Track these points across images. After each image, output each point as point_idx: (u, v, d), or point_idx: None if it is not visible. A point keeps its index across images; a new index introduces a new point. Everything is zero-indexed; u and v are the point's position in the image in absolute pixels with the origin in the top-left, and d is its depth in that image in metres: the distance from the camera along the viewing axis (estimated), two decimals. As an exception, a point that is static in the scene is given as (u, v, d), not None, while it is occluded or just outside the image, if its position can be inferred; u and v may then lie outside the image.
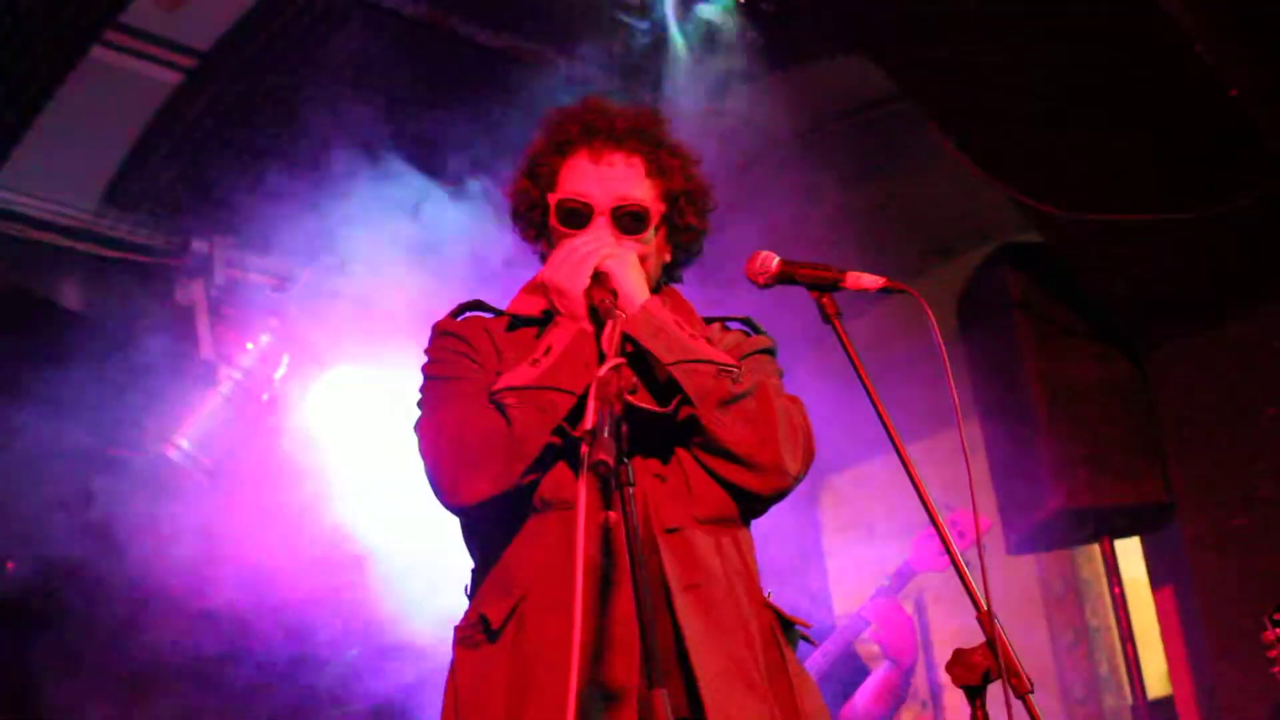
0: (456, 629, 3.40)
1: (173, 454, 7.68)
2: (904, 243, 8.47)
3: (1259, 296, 6.51)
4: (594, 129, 3.56)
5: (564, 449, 3.25)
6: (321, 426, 8.05)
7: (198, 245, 7.66)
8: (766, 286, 3.50)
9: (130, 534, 7.70)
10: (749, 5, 6.65)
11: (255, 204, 7.48)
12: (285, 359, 7.93)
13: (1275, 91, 6.00)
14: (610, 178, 3.53)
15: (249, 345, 7.80)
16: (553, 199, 3.54)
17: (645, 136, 3.58)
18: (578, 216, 3.51)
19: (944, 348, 3.31)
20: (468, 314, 3.63)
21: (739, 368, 3.34)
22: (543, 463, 3.26)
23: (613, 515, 2.88)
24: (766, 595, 3.43)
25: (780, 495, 3.39)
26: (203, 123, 7.25)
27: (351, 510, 7.81)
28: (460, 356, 3.51)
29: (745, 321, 3.72)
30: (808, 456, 3.42)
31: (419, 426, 3.44)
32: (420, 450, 3.39)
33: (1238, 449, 6.62)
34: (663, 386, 3.31)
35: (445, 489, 3.33)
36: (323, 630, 7.92)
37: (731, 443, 3.28)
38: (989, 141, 6.35)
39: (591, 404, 2.87)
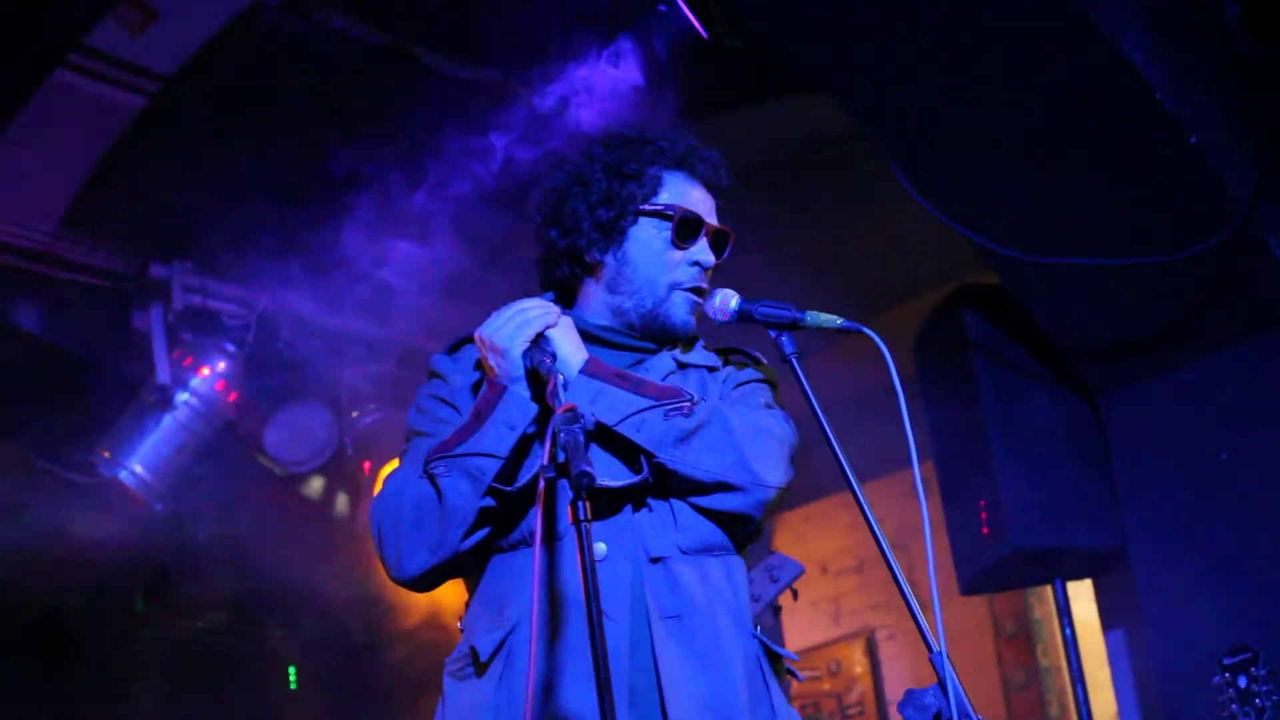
0: (447, 660, 3.40)
1: (126, 478, 7.65)
2: (862, 282, 8.51)
3: (1213, 341, 6.55)
4: (699, 155, 3.67)
5: (518, 498, 3.27)
6: (277, 453, 8.04)
7: (156, 270, 7.65)
8: (725, 324, 3.52)
9: (80, 557, 7.68)
10: (713, 41, 6.68)
11: (215, 230, 7.47)
12: (241, 385, 7.92)
13: (1233, 140, 6.05)
14: (708, 203, 3.66)
15: (205, 371, 7.78)
16: (671, 209, 3.57)
17: (724, 181, 3.72)
18: (694, 230, 3.58)
19: (901, 387, 3.33)
20: (461, 349, 3.62)
21: (690, 399, 3.34)
22: (480, 525, 3.29)
23: (601, 547, 2.93)
24: (755, 627, 3.43)
25: (769, 508, 3.39)
26: (164, 147, 7.24)
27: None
28: (438, 404, 3.53)
29: (744, 354, 3.75)
30: (790, 464, 3.44)
31: (377, 495, 3.47)
32: (371, 524, 3.43)
33: (1190, 493, 6.65)
34: (622, 446, 3.32)
35: (390, 565, 3.38)
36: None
37: (702, 474, 3.29)
38: (949, 183, 6.38)
39: (548, 445, 2.90)
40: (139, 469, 7.65)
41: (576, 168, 3.64)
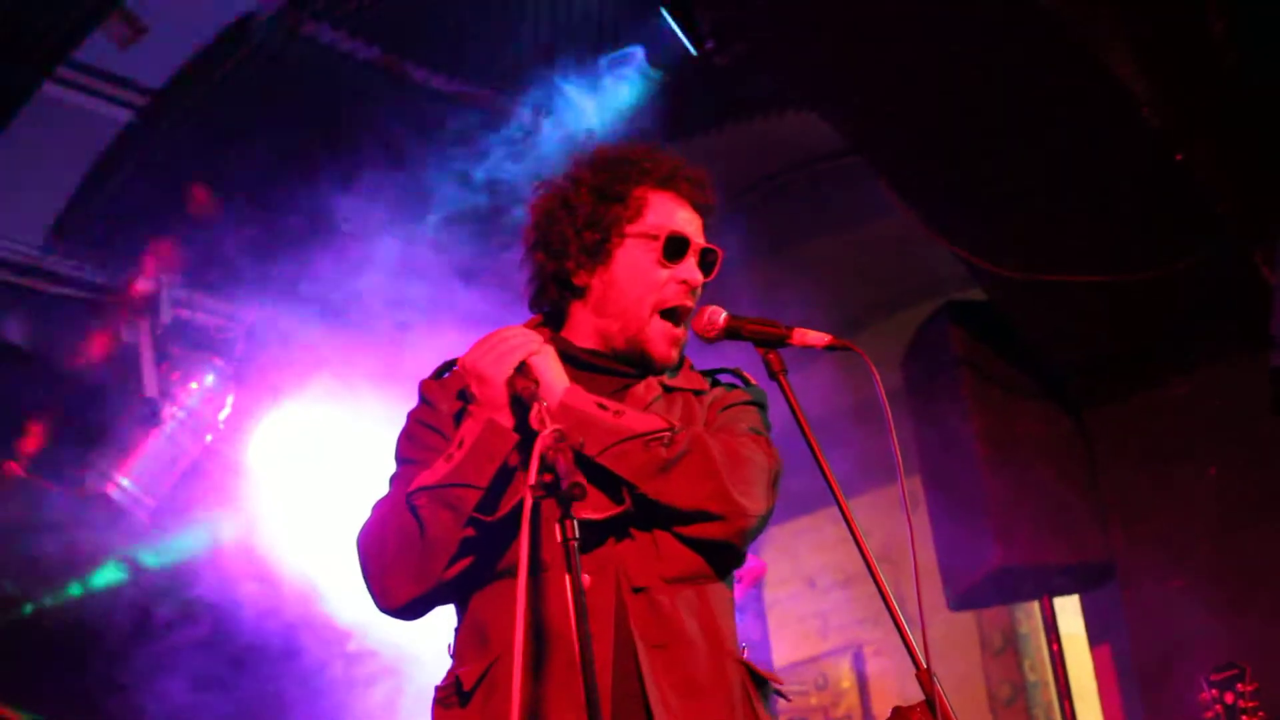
0: (435, 688, 3.39)
1: (114, 492, 7.64)
2: (850, 297, 8.52)
3: (1200, 356, 6.57)
4: (685, 175, 3.65)
5: (492, 527, 3.27)
6: (265, 467, 8.03)
7: (144, 283, 7.63)
8: (714, 341, 3.52)
9: (69, 571, 7.67)
10: (702, 58, 6.69)
11: (203, 243, 7.46)
12: (230, 399, 7.91)
13: (1219, 156, 6.07)
14: (695, 223, 3.63)
15: (193, 385, 7.77)
16: (657, 229, 3.56)
17: (710, 197, 3.70)
18: (681, 249, 3.57)
19: (887, 403, 3.33)
20: (449, 372, 3.61)
21: (672, 428, 3.32)
22: (463, 555, 3.27)
23: (585, 579, 2.93)
24: (741, 651, 3.43)
25: (749, 536, 3.37)
26: (152, 161, 7.23)
27: (295, 552, 7.79)
28: (426, 430, 3.51)
29: (735, 374, 3.75)
30: (771, 491, 3.42)
31: (360, 528, 3.47)
32: (357, 553, 3.42)
33: (1177, 508, 6.66)
34: (603, 477, 3.32)
35: (375, 595, 3.38)
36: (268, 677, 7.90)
37: (683, 504, 3.28)
38: (936, 199, 6.40)
39: (533, 466, 2.90)
40: (127, 482, 7.64)
41: (562, 191, 3.64)
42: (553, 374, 3.36)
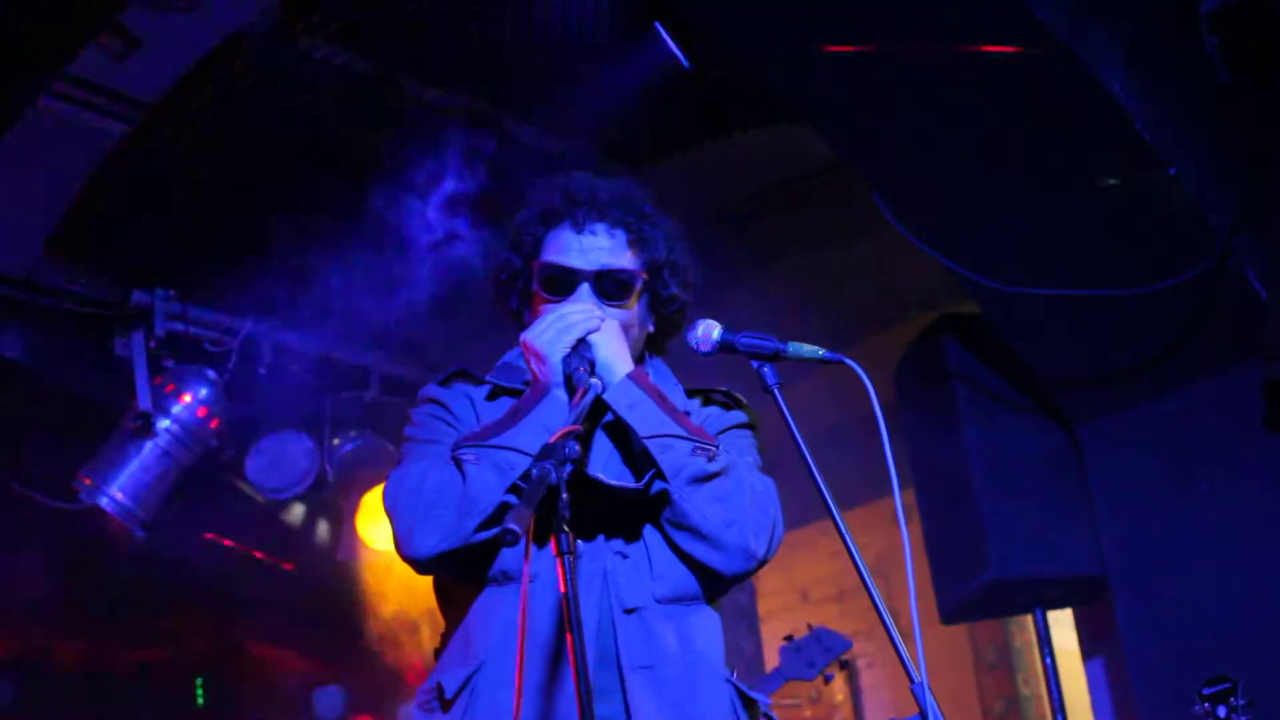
0: (418, 690, 3.40)
1: (107, 505, 7.64)
2: (844, 311, 8.52)
3: (1193, 371, 6.57)
4: (577, 200, 3.60)
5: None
6: (258, 480, 8.04)
7: (138, 297, 7.64)
8: (708, 355, 3.52)
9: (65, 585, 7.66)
10: (695, 71, 6.70)
11: (197, 257, 7.47)
12: (223, 412, 7.91)
13: (1213, 170, 6.08)
14: (593, 247, 3.57)
15: (187, 398, 7.77)
16: (536, 266, 3.57)
17: (628, 207, 3.63)
18: (560, 284, 3.55)
19: (882, 417, 3.34)
20: (454, 382, 3.63)
21: (716, 445, 3.34)
22: (497, 520, 3.22)
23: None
24: (730, 675, 3.43)
25: (743, 577, 3.39)
26: (147, 174, 7.23)
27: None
28: (439, 421, 3.54)
29: (727, 395, 3.74)
30: (773, 541, 3.43)
31: (387, 479, 3.45)
32: (384, 502, 3.40)
33: (1170, 522, 6.66)
34: (637, 459, 3.32)
35: (400, 539, 3.35)
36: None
37: (700, 521, 3.28)
38: (929, 212, 6.40)
39: (533, 470, 2.90)
40: (120, 495, 7.64)
41: (499, 239, 3.71)
42: (610, 350, 3.36)
